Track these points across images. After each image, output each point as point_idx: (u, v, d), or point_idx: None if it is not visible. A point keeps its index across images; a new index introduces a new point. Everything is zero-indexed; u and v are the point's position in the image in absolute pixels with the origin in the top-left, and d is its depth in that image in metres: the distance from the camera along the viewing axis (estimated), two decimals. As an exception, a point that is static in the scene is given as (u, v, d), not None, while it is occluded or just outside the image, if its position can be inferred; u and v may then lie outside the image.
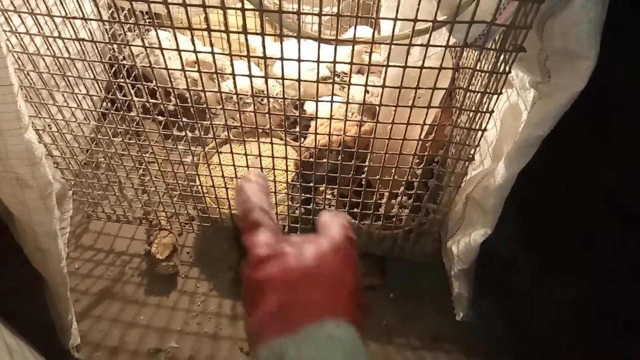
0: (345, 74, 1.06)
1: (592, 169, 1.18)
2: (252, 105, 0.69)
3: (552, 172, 1.09)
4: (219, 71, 0.63)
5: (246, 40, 0.58)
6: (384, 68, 0.61)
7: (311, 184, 0.84)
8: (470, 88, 0.64)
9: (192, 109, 0.70)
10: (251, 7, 0.54)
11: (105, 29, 0.96)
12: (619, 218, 1.12)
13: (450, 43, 0.57)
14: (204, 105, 0.71)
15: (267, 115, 0.68)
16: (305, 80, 0.62)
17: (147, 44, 0.62)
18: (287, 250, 0.35)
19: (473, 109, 0.67)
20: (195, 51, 0.61)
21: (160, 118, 0.74)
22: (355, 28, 0.56)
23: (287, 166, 0.81)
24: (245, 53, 0.60)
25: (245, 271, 0.35)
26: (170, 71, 0.65)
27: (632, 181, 1.11)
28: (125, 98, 0.73)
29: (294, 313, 0.32)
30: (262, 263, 0.35)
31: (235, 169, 0.81)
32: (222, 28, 0.55)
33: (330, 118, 0.71)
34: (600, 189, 1.16)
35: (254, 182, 0.42)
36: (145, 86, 0.71)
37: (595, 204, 1.15)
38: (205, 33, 0.56)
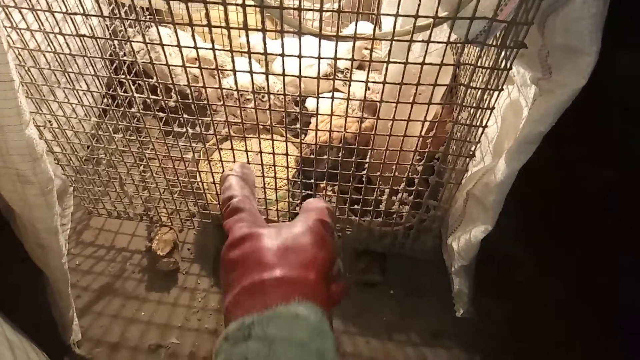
0: (349, 69, 1.06)
1: (593, 167, 1.18)
2: (253, 101, 0.69)
3: (552, 170, 1.09)
4: (219, 68, 0.63)
5: (247, 36, 0.57)
6: (385, 64, 0.61)
7: (312, 181, 0.84)
8: (471, 84, 0.64)
9: (193, 105, 0.70)
10: (252, 3, 0.54)
11: (106, 25, 0.96)
12: (619, 216, 1.12)
13: (451, 39, 0.57)
14: (205, 102, 0.71)
15: (267, 111, 0.68)
16: (306, 77, 0.62)
17: (147, 40, 0.62)
18: (261, 232, 0.36)
19: (474, 105, 0.67)
20: (196, 47, 0.61)
21: (161, 114, 0.74)
22: (356, 24, 0.56)
23: (287, 163, 0.81)
24: (245, 50, 0.60)
25: (223, 252, 0.37)
26: (170, 67, 0.65)
27: (633, 180, 1.11)
28: (126, 94, 0.73)
29: (263, 292, 0.32)
30: (238, 243, 0.36)
31: (235, 166, 0.81)
32: (223, 24, 0.55)
33: (331, 115, 0.71)
34: (600, 187, 1.16)
35: (238, 172, 0.43)
36: (146, 82, 0.70)
37: (595, 202, 1.15)
38: (205, 30, 0.56)
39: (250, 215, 0.39)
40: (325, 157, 0.78)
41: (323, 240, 0.37)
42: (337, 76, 0.85)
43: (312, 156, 0.81)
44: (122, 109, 0.78)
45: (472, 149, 0.72)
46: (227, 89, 0.67)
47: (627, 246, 1.06)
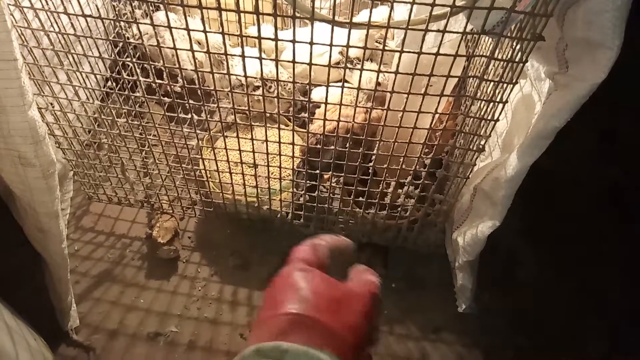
0: (358, 59, 1.05)
1: (595, 163, 1.18)
2: (261, 89, 0.68)
3: (556, 167, 1.09)
4: (227, 53, 0.61)
5: (258, 21, 0.56)
6: (396, 55, 0.59)
7: (317, 171, 0.83)
8: (484, 77, 0.63)
9: (199, 91, 0.69)
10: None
11: (113, 6, 0.93)
12: (622, 214, 1.12)
13: (467, 30, 0.56)
14: (212, 88, 0.69)
15: (275, 100, 0.67)
16: (317, 64, 0.61)
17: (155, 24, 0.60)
18: (321, 274, 0.38)
19: (486, 98, 0.66)
20: (205, 31, 0.59)
21: (166, 99, 0.73)
22: (370, 11, 0.55)
23: (293, 152, 0.79)
24: (249, 40, 0.59)
25: (284, 270, 0.39)
26: (177, 52, 0.64)
27: (635, 177, 1.11)
28: (130, 78, 0.71)
29: (305, 329, 0.34)
30: (299, 271, 0.38)
31: (240, 154, 0.80)
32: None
33: (340, 104, 0.69)
34: (602, 184, 1.16)
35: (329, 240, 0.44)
36: (152, 66, 0.69)
37: (599, 199, 1.15)
38: (211, 17, 0.54)
39: (320, 256, 0.41)
40: (332, 147, 0.77)
41: (372, 315, 0.38)
42: (347, 65, 0.84)
43: (318, 146, 0.79)
44: (126, 92, 0.76)
45: (482, 143, 0.71)
46: (236, 74, 0.65)
47: (629, 243, 1.06)
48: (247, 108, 0.70)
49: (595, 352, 0.93)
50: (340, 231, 0.98)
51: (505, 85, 0.62)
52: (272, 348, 0.32)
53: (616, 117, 1.15)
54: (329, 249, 0.42)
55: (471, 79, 0.81)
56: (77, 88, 0.76)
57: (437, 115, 0.67)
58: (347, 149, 0.75)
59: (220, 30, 0.59)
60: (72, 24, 0.67)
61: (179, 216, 1.06)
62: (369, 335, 0.37)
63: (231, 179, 0.87)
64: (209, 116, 0.75)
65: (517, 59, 0.59)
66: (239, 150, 0.79)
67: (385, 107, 0.67)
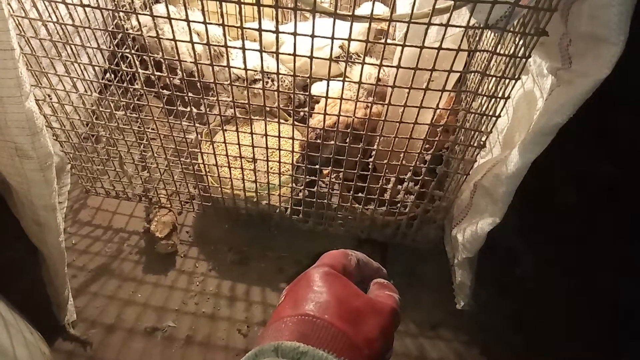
0: (359, 55, 1.04)
1: (593, 161, 1.17)
2: (261, 82, 0.67)
3: (554, 165, 1.08)
4: (222, 51, 0.61)
5: (259, 13, 0.55)
6: (397, 50, 0.59)
7: (316, 166, 0.82)
8: (487, 72, 0.62)
9: (198, 84, 0.68)
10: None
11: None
12: (620, 212, 1.11)
13: (470, 24, 0.55)
14: (211, 81, 0.68)
15: (275, 93, 0.66)
16: (318, 58, 0.60)
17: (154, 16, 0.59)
18: (345, 281, 0.38)
19: (488, 94, 0.65)
20: (205, 22, 0.59)
21: (165, 92, 0.72)
22: (373, 4, 0.54)
23: (292, 147, 0.79)
24: (248, 35, 0.58)
25: (310, 270, 0.39)
26: (176, 45, 0.63)
27: (633, 175, 1.10)
28: (129, 70, 0.70)
29: (324, 333, 0.34)
30: (325, 275, 0.38)
31: (239, 148, 0.79)
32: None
33: (341, 99, 0.69)
34: (601, 182, 1.15)
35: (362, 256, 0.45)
36: (151, 58, 0.68)
37: (596, 197, 1.15)
38: (210, 10, 0.54)
39: (348, 265, 0.41)
40: (331, 142, 0.76)
41: (389, 331, 0.37)
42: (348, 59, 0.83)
43: (317, 141, 0.79)
44: (124, 84, 0.75)
45: (483, 139, 0.71)
46: (236, 67, 0.64)
47: (628, 241, 1.06)
48: (246, 102, 0.70)
49: (595, 352, 0.93)
50: (340, 227, 0.98)
51: (507, 80, 0.62)
52: (292, 349, 0.32)
53: (616, 114, 1.15)
54: (358, 259, 0.42)
55: (473, 74, 0.80)
56: (75, 80, 0.76)
57: (438, 110, 0.66)
58: (347, 144, 0.74)
59: (220, 22, 0.59)
60: (70, 14, 0.66)
61: (177, 210, 1.06)
62: (384, 352, 0.37)
63: (230, 173, 0.87)
64: (208, 110, 0.74)
65: (520, 55, 0.58)
66: (238, 144, 0.79)
67: (386, 102, 0.67)
